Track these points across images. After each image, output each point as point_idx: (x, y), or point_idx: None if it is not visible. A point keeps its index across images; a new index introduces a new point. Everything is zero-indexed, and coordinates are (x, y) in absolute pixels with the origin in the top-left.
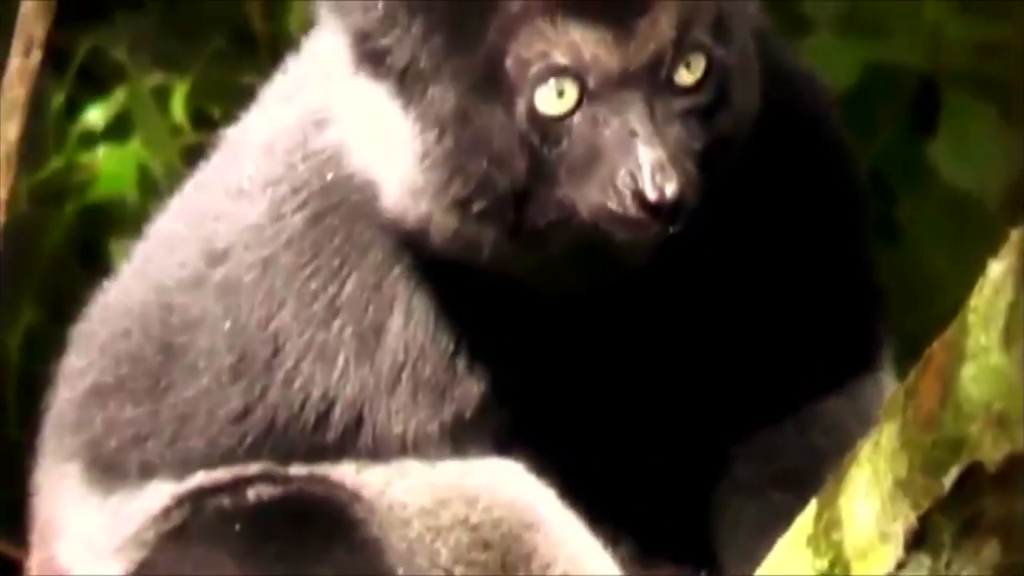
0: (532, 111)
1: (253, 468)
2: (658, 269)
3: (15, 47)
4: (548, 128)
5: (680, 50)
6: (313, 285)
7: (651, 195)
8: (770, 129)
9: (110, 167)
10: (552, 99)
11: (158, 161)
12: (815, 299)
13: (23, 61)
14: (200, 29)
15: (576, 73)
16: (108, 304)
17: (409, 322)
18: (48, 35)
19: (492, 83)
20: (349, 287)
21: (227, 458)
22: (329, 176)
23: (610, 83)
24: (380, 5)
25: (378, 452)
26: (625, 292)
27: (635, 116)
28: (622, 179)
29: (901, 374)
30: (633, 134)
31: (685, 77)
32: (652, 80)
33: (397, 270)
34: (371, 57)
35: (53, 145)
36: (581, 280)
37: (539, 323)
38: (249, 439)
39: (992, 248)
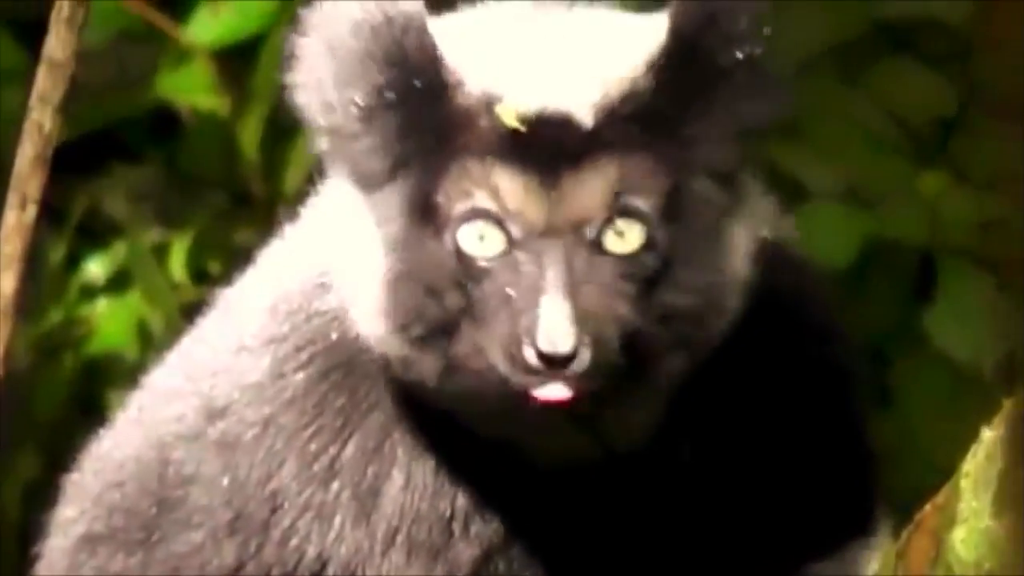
0: (458, 249)
1: None
2: (658, 442)
3: (10, 202)
4: (472, 268)
5: (611, 213)
6: (314, 446)
7: (543, 346)
8: (766, 309)
9: (109, 321)
10: (475, 241)
11: (157, 316)
12: (812, 468)
13: (19, 216)
14: (199, 186)
15: (498, 219)
16: (101, 455)
17: (408, 485)
18: (44, 189)
19: (427, 213)
20: (350, 449)
21: None
22: (333, 336)
23: (533, 233)
24: (339, 111)
25: None
26: (626, 463)
27: (550, 269)
28: (523, 328)
29: (892, 535)
30: (542, 287)
31: (615, 243)
32: (577, 237)
33: (398, 432)
34: (342, 159)
35: (52, 298)
36: (573, 455)
37: (537, 490)
38: None
39: (986, 416)
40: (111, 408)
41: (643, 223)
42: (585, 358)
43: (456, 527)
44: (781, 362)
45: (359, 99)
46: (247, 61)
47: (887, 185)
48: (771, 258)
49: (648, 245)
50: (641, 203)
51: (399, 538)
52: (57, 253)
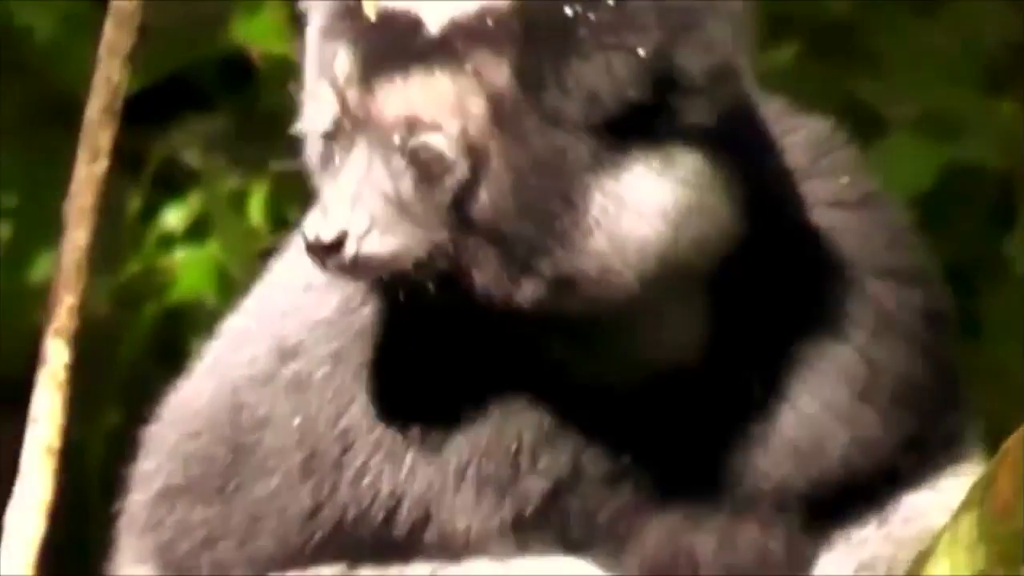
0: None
1: (326, 571)
2: (726, 360)
3: (81, 155)
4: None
5: (423, 124)
6: (382, 381)
7: (306, 234)
8: (847, 245)
9: (188, 269)
10: (314, 111)
11: (236, 263)
12: (898, 393)
13: (89, 169)
14: (274, 132)
15: (336, 100)
16: (177, 404)
17: (476, 420)
18: (117, 140)
19: None
20: (417, 382)
21: (297, 558)
22: None
23: (350, 124)
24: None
25: (444, 549)
26: (696, 384)
27: (345, 163)
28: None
29: (981, 464)
30: (333, 178)
31: (425, 152)
32: (389, 138)
33: (464, 365)
34: None
35: (131, 249)
36: (625, 372)
37: (603, 417)
38: (318, 537)
39: None
40: (192, 356)
41: (453, 142)
42: (351, 250)
43: (523, 461)
44: (864, 297)
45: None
46: None
47: (963, 113)
48: (851, 197)
49: (457, 166)
50: (457, 123)
51: (469, 472)
52: (134, 204)
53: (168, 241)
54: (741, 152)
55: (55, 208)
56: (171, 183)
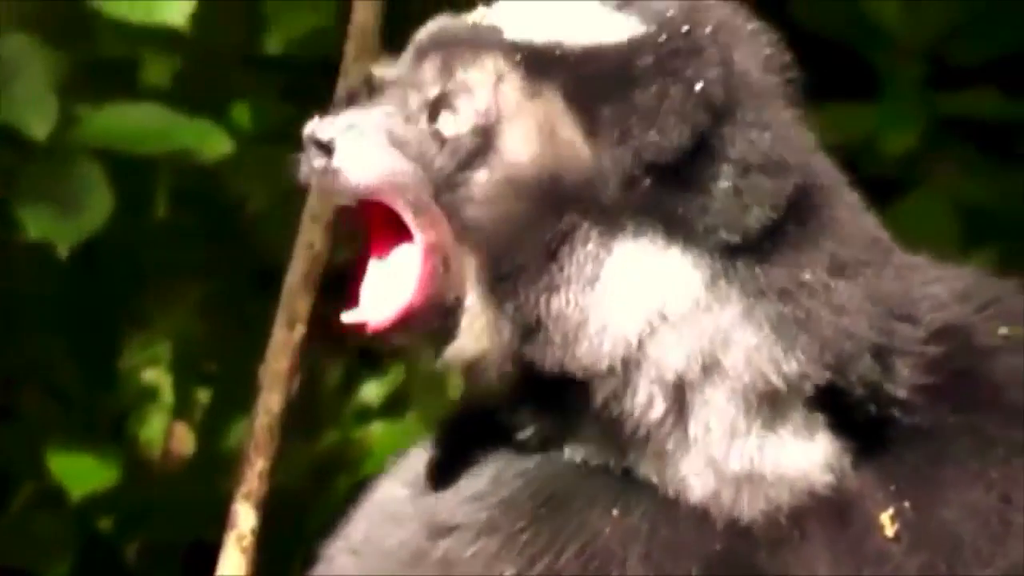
0: None
1: None
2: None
3: (279, 320)
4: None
5: (451, 91)
6: (532, 549)
7: (304, 129)
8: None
9: (385, 443)
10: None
11: None
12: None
13: (287, 334)
14: None
15: None
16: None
17: None
18: (320, 310)
19: None
20: (570, 550)
21: None
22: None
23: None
24: None
25: None
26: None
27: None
28: None
29: None
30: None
31: (448, 122)
32: (418, 98)
33: (618, 529)
34: None
35: (329, 420)
36: None
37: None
38: None
39: None
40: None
41: (473, 113)
42: (341, 152)
43: None
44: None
45: None
46: None
47: None
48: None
49: (467, 136)
50: (484, 100)
51: None
52: (335, 375)
53: (366, 414)
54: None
55: (253, 376)
56: (372, 357)
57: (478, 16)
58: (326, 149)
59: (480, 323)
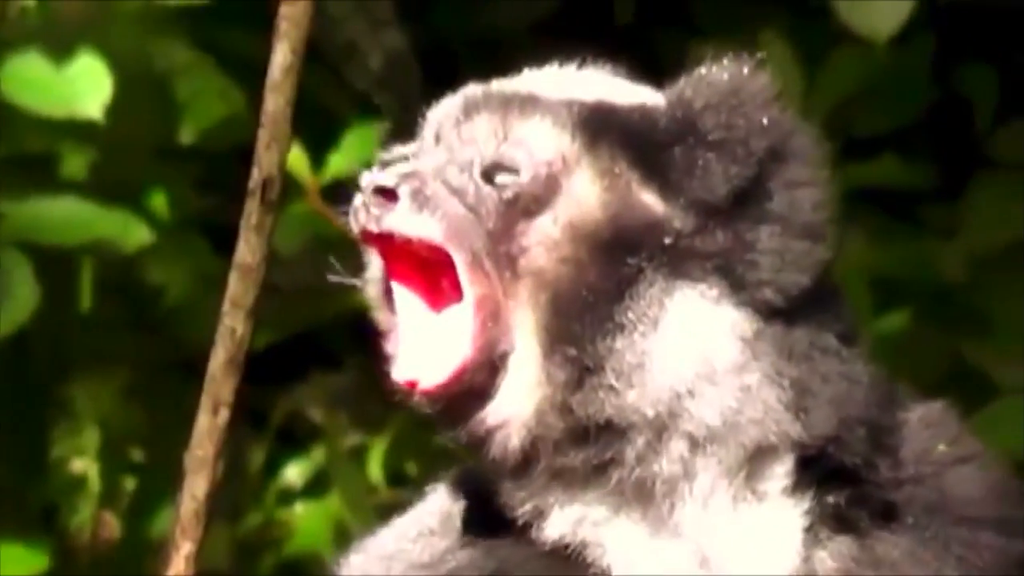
0: None
1: None
2: None
3: (203, 405)
4: None
5: (504, 151)
6: None
7: (363, 179)
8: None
9: (308, 523)
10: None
11: (355, 518)
12: None
13: (211, 419)
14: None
15: None
16: None
17: None
18: (242, 396)
19: None
20: None
21: None
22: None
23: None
24: None
25: None
26: None
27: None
28: None
29: None
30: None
31: (506, 175)
32: (465, 151)
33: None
34: None
35: (252, 501)
36: None
37: None
38: None
39: None
40: None
41: (522, 174)
42: (405, 201)
43: None
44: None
45: None
46: None
47: None
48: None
49: (522, 192)
50: (545, 156)
51: None
52: (257, 458)
53: (289, 495)
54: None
55: (178, 461)
56: (294, 439)
57: (505, 84)
58: (390, 196)
59: (529, 374)
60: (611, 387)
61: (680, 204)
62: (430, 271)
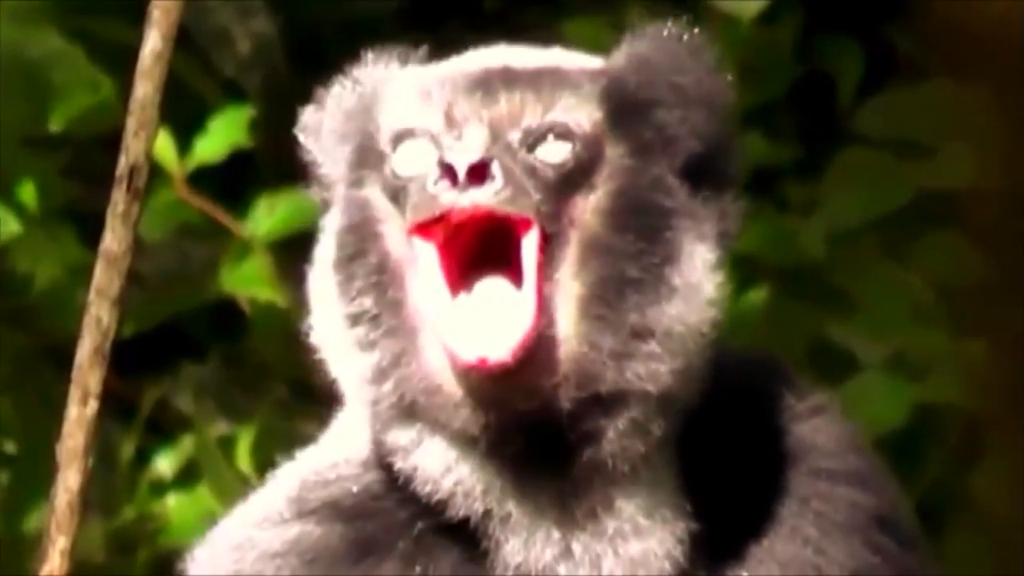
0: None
1: None
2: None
3: (72, 396)
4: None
5: (548, 126)
6: None
7: (443, 160)
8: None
9: (180, 515)
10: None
11: (226, 508)
12: None
13: (80, 410)
14: (262, 379)
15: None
16: None
17: None
18: (110, 386)
19: None
20: None
21: None
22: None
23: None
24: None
25: None
26: None
27: (467, 136)
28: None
29: None
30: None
31: (549, 152)
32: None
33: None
34: None
35: (125, 494)
36: None
37: None
38: None
39: None
40: None
41: (573, 143)
42: (499, 178)
43: None
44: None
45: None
46: (305, 252)
47: (932, 353)
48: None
49: (573, 163)
50: (580, 127)
51: None
52: (128, 449)
53: (160, 487)
54: None
55: (51, 454)
56: (163, 429)
57: (493, 60)
58: (478, 175)
59: (577, 343)
60: (657, 352)
61: (677, 169)
62: (459, 248)
